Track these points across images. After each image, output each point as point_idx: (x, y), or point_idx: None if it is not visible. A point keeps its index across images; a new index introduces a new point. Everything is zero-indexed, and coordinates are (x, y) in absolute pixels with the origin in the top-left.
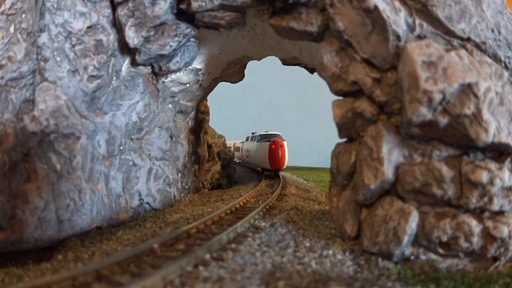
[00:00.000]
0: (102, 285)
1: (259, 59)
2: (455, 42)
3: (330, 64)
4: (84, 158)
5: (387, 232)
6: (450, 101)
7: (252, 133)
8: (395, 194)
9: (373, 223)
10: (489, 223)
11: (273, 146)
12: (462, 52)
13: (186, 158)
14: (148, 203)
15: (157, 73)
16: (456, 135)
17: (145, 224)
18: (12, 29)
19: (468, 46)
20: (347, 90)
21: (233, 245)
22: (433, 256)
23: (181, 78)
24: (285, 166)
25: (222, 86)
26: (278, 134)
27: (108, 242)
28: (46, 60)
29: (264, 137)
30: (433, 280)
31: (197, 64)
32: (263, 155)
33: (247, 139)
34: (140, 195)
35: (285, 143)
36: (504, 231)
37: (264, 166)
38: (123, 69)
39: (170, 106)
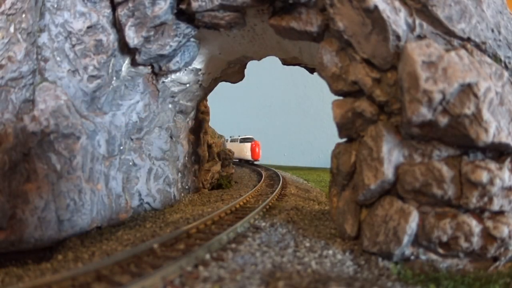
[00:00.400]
0: (102, 285)
1: (259, 59)
2: (455, 42)
3: (330, 64)
4: (84, 158)
5: (387, 232)
6: (450, 101)
7: (231, 137)
8: (395, 194)
9: (373, 223)
10: (489, 223)
11: (253, 145)
12: (462, 52)
13: (186, 158)
14: (148, 203)
15: (157, 73)
16: (456, 135)
17: (145, 224)
18: (12, 29)
19: (468, 46)
20: (347, 90)
21: (233, 245)
22: (433, 256)
23: (181, 78)
24: (260, 158)
25: (222, 86)
26: (253, 138)
27: (108, 242)
28: (46, 60)
29: (244, 140)
30: (433, 280)
31: (197, 64)
32: (246, 151)
33: (226, 141)
34: (140, 195)
35: (260, 143)
36: (504, 231)
37: (246, 158)
38: (123, 69)
39: (170, 106)
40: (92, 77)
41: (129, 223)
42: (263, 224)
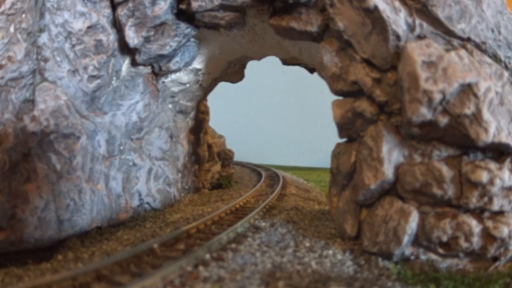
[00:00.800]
0: (102, 285)
1: (259, 59)
2: (455, 42)
3: (330, 64)
4: (84, 158)
5: (387, 232)
6: (450, 101)
7: None
8: (395, 194)
9: (373, 223)
10: (489, 223)
11: None
12: (462, 52)
13: (186, 158)
14: (148, 203)
15: (157, 73)
16: (456, 135)
17: (145, 224)
18: (12, 29)
19: (468, 46)
20: (347, 90)
21: (233, 245)
22: (433, 256)
23: (181, 78)
24: None
25: (222, 86)
26: None
27: (108, 242)
28: (46, 60)
29: None
30: (433, 280)
31: (197, 64)
32: None
33: None
34: (140, 195)
35: None
36: (504, 231)
37: None
38: (123, 69)
39: (170, 106)
40: (92, 77)
41: (129, 223)
42: (263, 224)
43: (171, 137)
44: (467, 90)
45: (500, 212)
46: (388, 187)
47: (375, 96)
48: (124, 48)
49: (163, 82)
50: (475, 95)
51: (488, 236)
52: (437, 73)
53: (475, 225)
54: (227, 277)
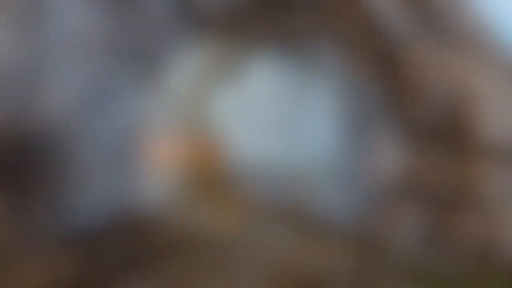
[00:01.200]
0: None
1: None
2: (455, 41)
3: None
4: (84, 158)
5: (387, 232)
6: (450, 101)
7: None
8: (394, 194)
9: (373, 222)
10: (489, 224)
11: None
12: (462, 51)
13: None
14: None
15: (157, 73)
16: (456, 135)
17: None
18: (11, 29)
19: (468, 45)
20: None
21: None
22: (433, 256)
23: (181, 78)
24: None
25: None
26: None
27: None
28: (46, 60)
29: None
30: (433, 280)
31: (197, 63)
32: None
33: None
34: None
35: None
36: (504, 231)
37: None
38: (123, 68)
39: (171, 106)
40: (92, 76)
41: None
42: (263, 222)
43: None
44: (468, 89)
45: (501, 213)
46: (387, 187)
47: (375, 96)
48: (124, 48)
49: (163, 81)
50: (476, 95)
51: (488, 236)
52: (437, 73)
53: (475, 226)
54: (227, 277)
